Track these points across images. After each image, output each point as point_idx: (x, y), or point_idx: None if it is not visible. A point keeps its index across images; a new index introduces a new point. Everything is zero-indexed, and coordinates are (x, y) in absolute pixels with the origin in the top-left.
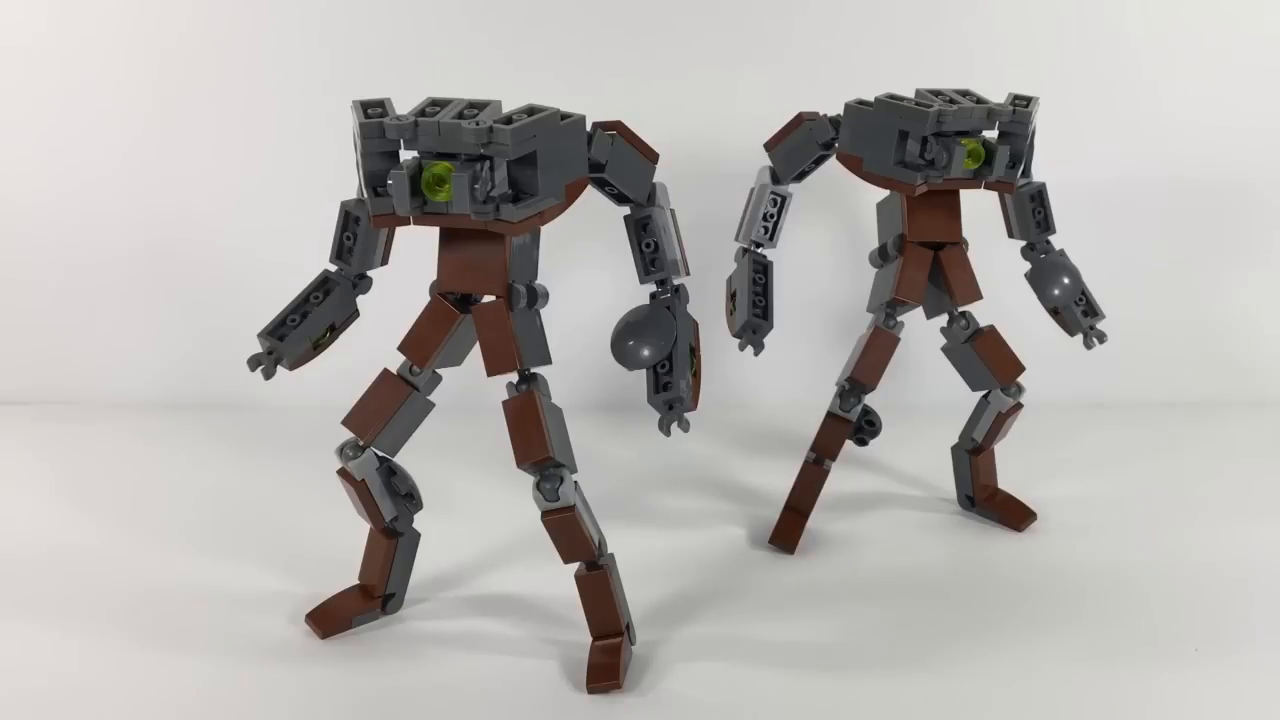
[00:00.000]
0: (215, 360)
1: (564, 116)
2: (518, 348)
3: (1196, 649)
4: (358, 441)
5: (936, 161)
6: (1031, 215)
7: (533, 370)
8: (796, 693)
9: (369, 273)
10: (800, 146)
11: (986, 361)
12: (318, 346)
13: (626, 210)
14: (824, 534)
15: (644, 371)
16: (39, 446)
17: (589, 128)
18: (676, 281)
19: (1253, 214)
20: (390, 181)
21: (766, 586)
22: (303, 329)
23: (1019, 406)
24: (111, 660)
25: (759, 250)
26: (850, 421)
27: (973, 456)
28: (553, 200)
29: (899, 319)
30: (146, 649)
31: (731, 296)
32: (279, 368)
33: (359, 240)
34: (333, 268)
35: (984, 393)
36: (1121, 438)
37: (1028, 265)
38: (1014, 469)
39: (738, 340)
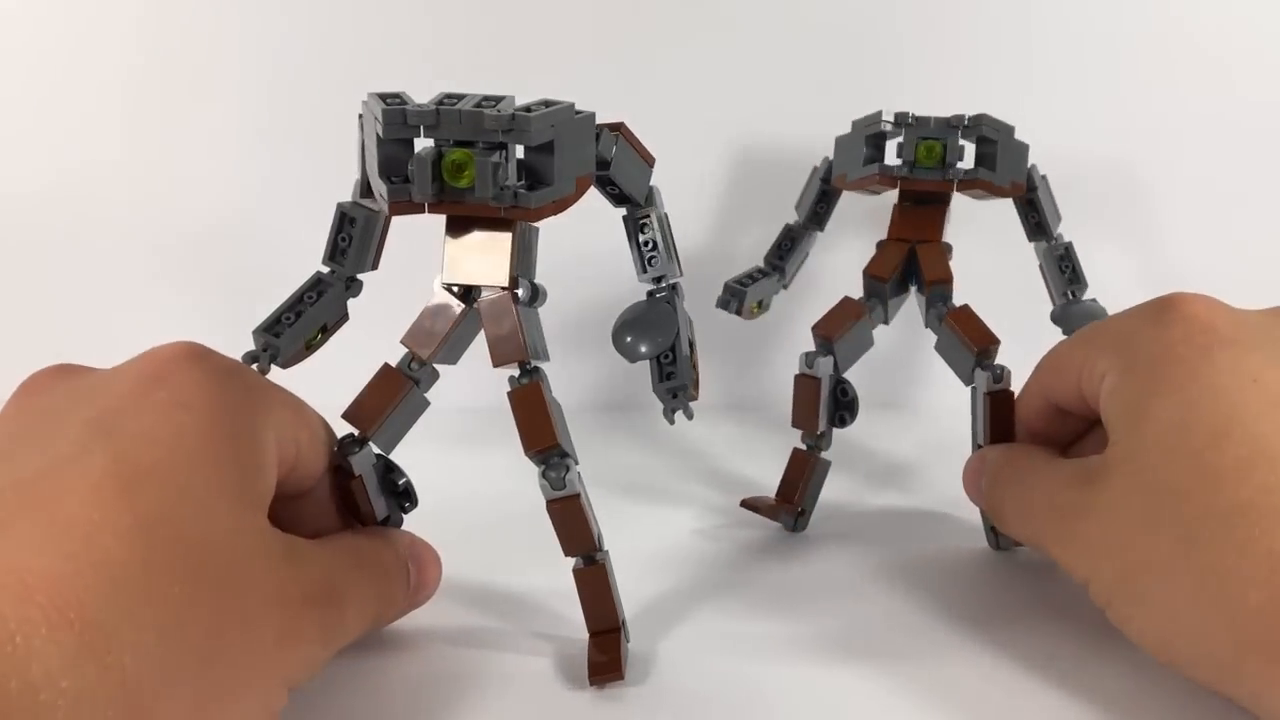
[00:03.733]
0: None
1: (577, 112)
2: (524, 337)
3: None
4: (354, 435)
5: (904, 157)
6: (1060, 272)
7: (534, 365)
8: (797, 685)
9: (360, 276)
10: (808, 188)
11: (958, 333)
12: (310, 346)
13: (623, 211)
14: (825, 533)
15: (645, 366)
16: None
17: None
18: (673, 280)
19: (1253, 213)
20: (412, 166)
21: (766, 582)
22: (298, 328)
23: (1008, 393)
24: None
25: (768, 269)
26: (817, 379)
27: None
28: (567, 191)
29: (877, 307)
30: None
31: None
32: (273, 365)
33: (354, 242)
34: (325, 269)
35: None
36: None
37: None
38: None
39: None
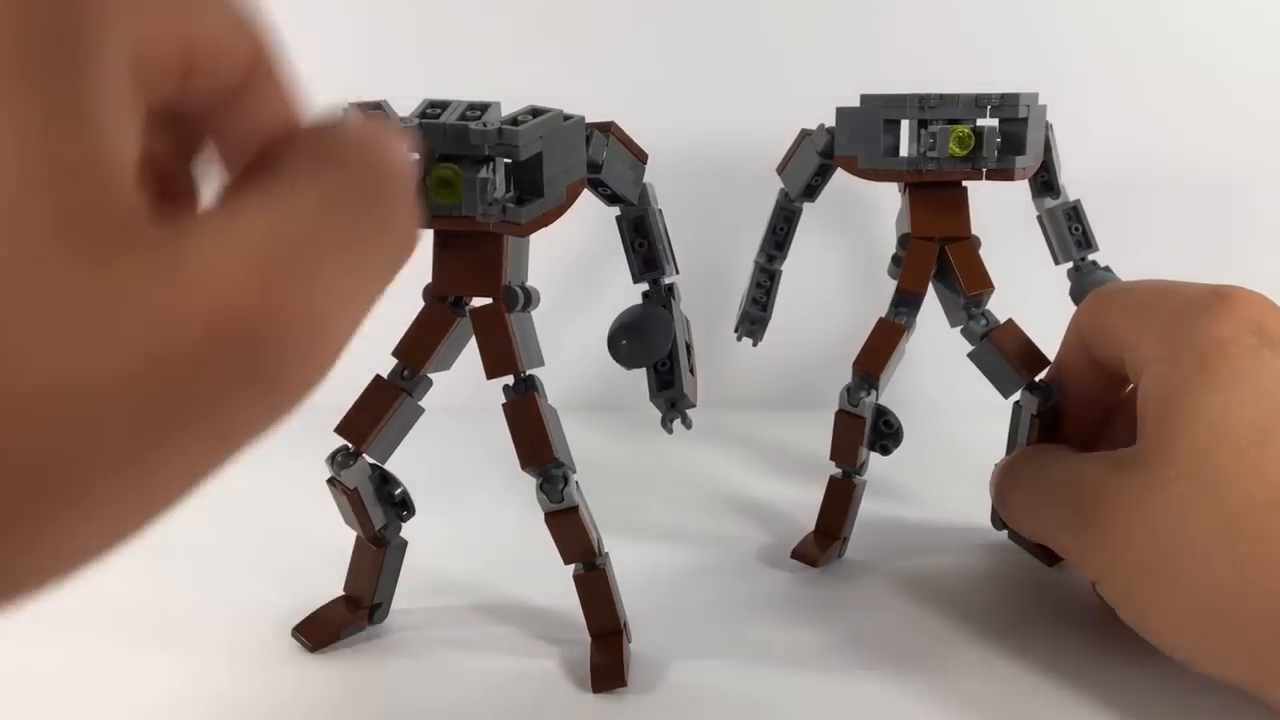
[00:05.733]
0: None
1: (566, 118)
2: (517, 349)
3: None
4: (348, 449)
5: (926, 147)
6: (1069, 234)
7: (528, 374)
8: (799, 689)
9: None
10: (802, 159)
11: (1005, 355)
12: None
13: (617, 211)
14: None
15: (642, 371)
16: None
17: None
18: (669, 280)
19: (1257, 212)
20: None
21: (770, 587)
22: None
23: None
24: (102, 664)
25: (770, 263)
26: (862, 418)
27: None
28: (557, 201)
29: (910, 317)
30: (136, 656)
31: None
32: None
33: None
34: None
35: (1015, 400)
36: None
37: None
38: None
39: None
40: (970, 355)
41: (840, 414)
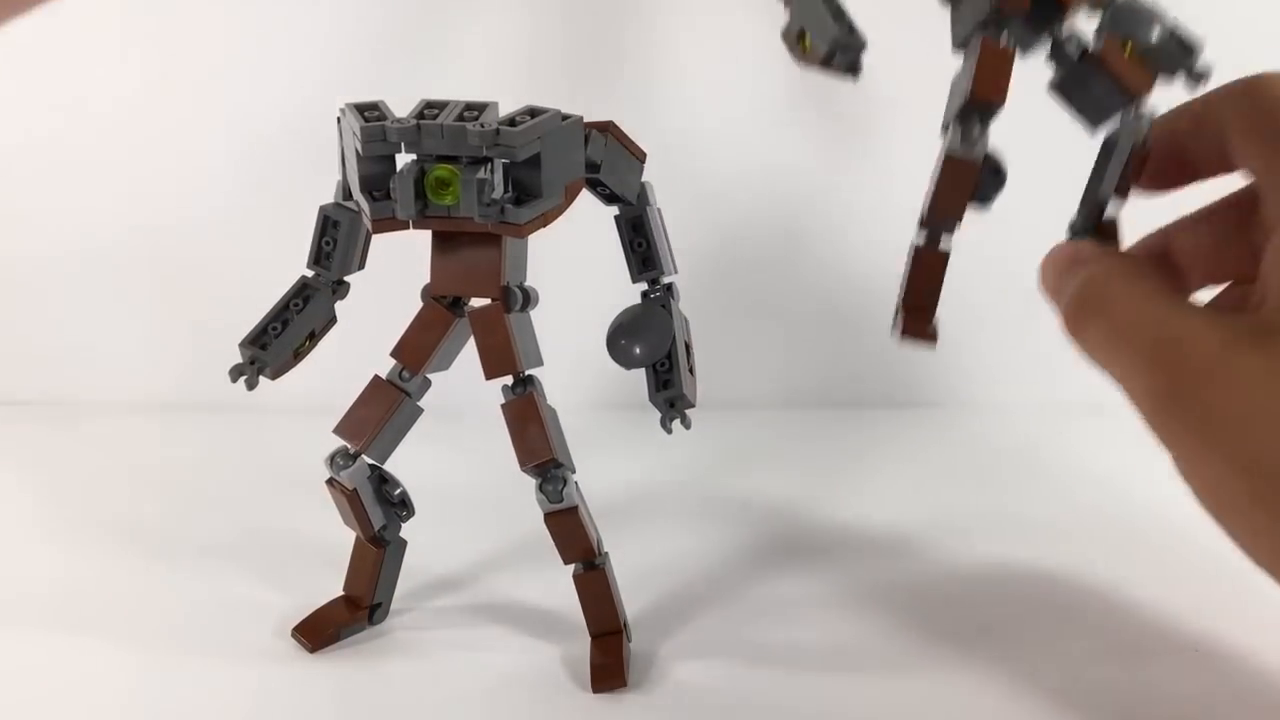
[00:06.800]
0: (216, 361)
1: (564, 117)
2: (516, 350)
3: (1196, 649)
4: (348, 450)
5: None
6: None
7: (528, 374)
8: (799, 690)
9: (346, 278)
10: None
11: (1111, 70)
12: (298, 354)
13: (615, 210)
14: (829, 539)
15: (641, 371)
16: (39, 447)
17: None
18: (667, 279)
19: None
20: (394, 185)
21: (768, 590)
22: (285, 338)
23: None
24: (102, 665)
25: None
26: (975, 164)
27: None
28: (555, 202)
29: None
30: (136, 656)
31: None
32: (260, 377)
33: (339, 245)
34: (309, 273)
35: (1105, 137)
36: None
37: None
38: (1025, 475)
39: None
40: (1052, 87)
41: (950, 160)
